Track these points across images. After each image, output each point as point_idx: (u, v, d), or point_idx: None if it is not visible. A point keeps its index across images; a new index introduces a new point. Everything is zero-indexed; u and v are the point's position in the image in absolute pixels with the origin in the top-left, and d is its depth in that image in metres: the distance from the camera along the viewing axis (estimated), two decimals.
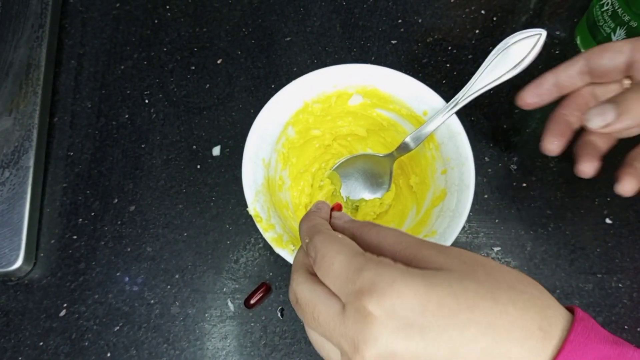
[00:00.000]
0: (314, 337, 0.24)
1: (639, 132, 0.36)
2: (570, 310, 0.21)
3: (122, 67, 0.47)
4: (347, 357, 0.21)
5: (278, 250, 0.32)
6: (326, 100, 0.37)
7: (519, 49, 0.34)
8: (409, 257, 0.23)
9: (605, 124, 0.29)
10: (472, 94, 0.34)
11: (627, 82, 0.34)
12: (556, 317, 0.21)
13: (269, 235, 0.33)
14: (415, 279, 0.21)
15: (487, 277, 0.21)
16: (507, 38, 0.34)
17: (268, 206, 0.34)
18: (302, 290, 0.23)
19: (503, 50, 0.34)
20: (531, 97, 0.35)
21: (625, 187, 0.33)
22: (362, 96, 0.38)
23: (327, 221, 0.27)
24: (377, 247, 0.24)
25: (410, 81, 0.36)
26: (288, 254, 0.32)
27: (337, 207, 0.29)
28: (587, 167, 0.34)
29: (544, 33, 0.33)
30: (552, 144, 0.35)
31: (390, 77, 0.36)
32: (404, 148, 0.37)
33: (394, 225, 0.39)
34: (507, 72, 0.34)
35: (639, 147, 0.35)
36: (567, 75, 0.34)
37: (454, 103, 0.34)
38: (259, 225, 0.33)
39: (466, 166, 0.34)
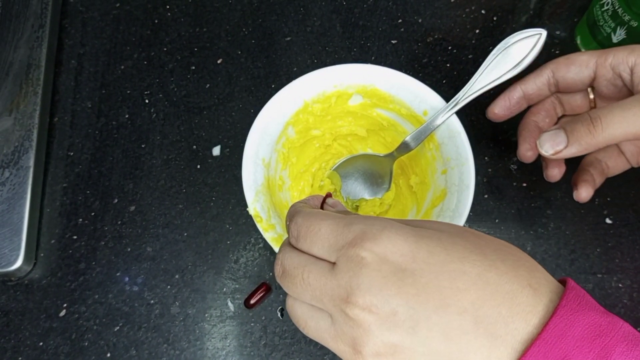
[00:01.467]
0: (299, 311, 0.23)
1: None
2: (562, 282, 0.21)
3: (122, 67, 0.47)
4: (340, 311, 0.21)
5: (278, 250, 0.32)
6: (326, 100, 0.37)
7: (519, 49, 0.34)
8: None
9: (555, 152, 0.31)
10: (472, 94, 0.34)
11: (590, 92, 0.36)
12: (545, 279, 0.21)
13: (269, 236, 0.33)
14: (405, 228, 0.21)
15: (477, 239, 0.22)
16: (508, 38, 0.34)
17: (268, 206, 0.34)
18: (290, 257, 0.23)
19: (503, 50, 0.34)
20: (501, 110, 0.36)
21: (582, 194, 0.35)
22: (362, 96, 0.38)
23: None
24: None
25: (410, 81, 0.36)
26: None
27: (329, 197, 0.29)
28: (555, 172, 0.36)
29: (544, 33, 0.33)
30: (529, 152, 0.36)
31: (390, 77, 0.36)
32: (404, 148, 0.37)
33: None
34: (508, 72, 0.34)
35: (593, 153, 0.36)
36: (535, 87, 0.35)
37: (454, 103, 0.34)
38: (259, 226, 0.33)
39: (466, 166, 0.34)
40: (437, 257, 0.20)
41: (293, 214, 0.24)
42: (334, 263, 0.22)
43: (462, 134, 0.35)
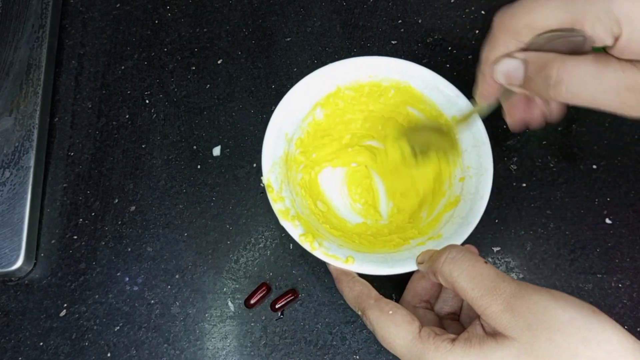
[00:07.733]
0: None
1: None
2: None
3: (123, 67, 0.47)
4: None
5: (283, 222, 0.33)
6: (359, 88, 0.38)
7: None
8: (479, 309, 0.24)
9: (507, 82, 0.28)
10: None
11: None
12: None
13: (277, 207, 0.34)
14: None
15: (548, 345, 0.22)
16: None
17: (282, 179, 0.35)
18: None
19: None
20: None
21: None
22: (395, 91, 0.38)
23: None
24: (452, 286, 0.26)
25: (444, 83, 0.36)
26: (292, 228, 0.33)
27: None
28: (515, 119, 0.33)
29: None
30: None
31: (425, 77, 0.37)
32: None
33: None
34: None
35: None
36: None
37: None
38: (269, 195, 0.34)
39: (485, 177, 0.34)
40: None
41: (365, 307, 0.30)
42: None
43: (486, 144, 0.35)
